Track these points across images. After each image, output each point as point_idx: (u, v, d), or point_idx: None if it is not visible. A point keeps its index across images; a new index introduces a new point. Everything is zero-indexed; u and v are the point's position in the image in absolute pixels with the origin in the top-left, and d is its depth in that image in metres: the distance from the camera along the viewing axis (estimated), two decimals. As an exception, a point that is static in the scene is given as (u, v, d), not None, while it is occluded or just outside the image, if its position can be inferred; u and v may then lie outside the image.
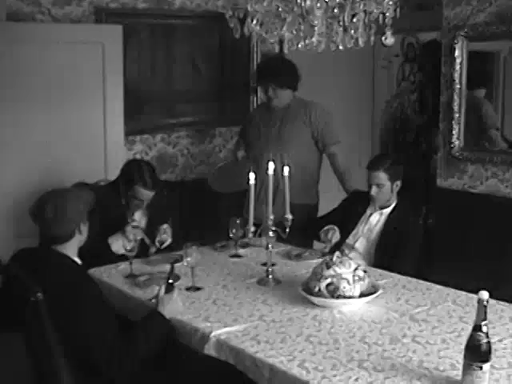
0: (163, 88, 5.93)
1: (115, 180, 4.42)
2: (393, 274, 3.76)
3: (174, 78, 5.98)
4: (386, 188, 4.21)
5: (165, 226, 4.19)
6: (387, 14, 2.98)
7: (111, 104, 5.39)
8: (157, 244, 4.14)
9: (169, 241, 4.19)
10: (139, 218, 4.30)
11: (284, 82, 4.90)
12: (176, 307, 3.12)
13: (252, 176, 3.59)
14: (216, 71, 6.20)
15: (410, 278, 3.68)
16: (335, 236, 4.16)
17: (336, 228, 4.18)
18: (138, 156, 5.82)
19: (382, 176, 4.19)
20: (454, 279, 3.68)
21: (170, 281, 3.22)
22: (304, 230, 4.48)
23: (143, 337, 3.00)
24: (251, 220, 3.60)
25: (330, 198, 4.91)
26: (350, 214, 4.41)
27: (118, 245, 3.92)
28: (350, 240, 4.31)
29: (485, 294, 2.34)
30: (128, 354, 2.92)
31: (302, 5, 2.91)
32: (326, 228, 4.19)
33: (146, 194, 4.18)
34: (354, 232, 4.31)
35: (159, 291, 3.16)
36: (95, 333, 2.90)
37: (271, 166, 3.59)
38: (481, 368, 2.32)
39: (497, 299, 3.25)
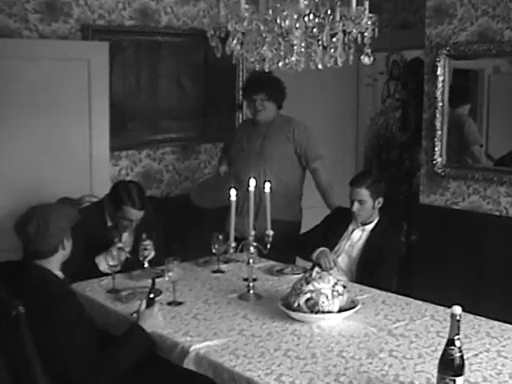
0: (149, 104, 5.96)
1: (101, 200, 4.44)
2: (373, 289, 3.79)
3: (160, 95, 6.02)
4: (367, 205, 4.25)
5: (147, 241, 4.20)
6: (366, 34, 3.04)
7: (97, 120, 5.41)
8: (140, 259, 4.16)
9: (152, 255, 4.20)
10: (126, 237, 4.32)
11: (272, 94, 4.97)
12: (156, 321, 3.15)
13: (233, 192, 3.63)
14: (201, 88, 6.24)
15: (389, 294, 3.73)
16: (333, 258, 4.18)
17: (327, 250, 4.21)
18: (123, 171, 5.85)
19: (364, 193, 4.24)
20: (435, 295, 3.72)
21: (151, 295, 3.24)
22: (287, 246, 4.52)
23: (123, 350, 3.03)
24: (232, 236, 3.63)
25: (313, 215, 4.96)
26: (332, 230, 4.45)
27: (104, 264, 3.95)
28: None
29: (457, 309, 2.38)
30: (106, 368, 2.95)
31: (282, 25, 2.96)
32: (318, 251, 4.19)
33: (135, 214, 4.19)
34: (335, 248, 4.35)
35: (140, 306, 3.19)
36: (73, 347, 2.92)
37: (252, 182, 3.64)
38: (454, 382, 2.36)
39: (476, 314, 3.30)
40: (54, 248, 3.13)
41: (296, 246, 4.53)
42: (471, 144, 5.26)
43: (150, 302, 3.20)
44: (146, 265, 4.12)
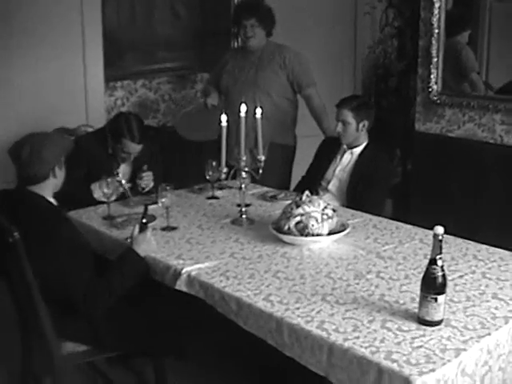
0: (143, 34, 5.91)
1: (101, 129, 4.45)
2: (365, 214, 3.84)
3: (155, 24, 5.96)
4: (351, 126, 4.30)
5: (146, 172, 4.24)
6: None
7: (91, 51, 5.40)
8: (139, 190, 4.20)
9: (151, 185, 4.24)
10: (124, 168, 4.37)
11: (263, 20, 4.97)
12: (150, 246, 3.20)
13: (224, 117, 3.64)
14: (197, 17, 6.18)
15: (381, 218, 3.77)
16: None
17: None
18: (119, 102, 5.85)
19: (347, 113, 4.30)
20: (430, 222, 3.76)
21: (144, 220, 3.30)
22: (282, 170, 4.57)
23: (118, 273, 3.09)
24: (223, 162, 3.65)
25: (308, 143, 4.99)
26: (322, 158, 4.53)
27: (99, 192, 3.98)
28: (323, 182, 4.40)
29: (439, 229, 2.44)
30: (103, 290, 3.01)
31: None
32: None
33: (134, 148, 4.22)
34: (326, 174, 4.40)
35: (133, 231, 3.25)
36: (71, 270, 2.98)
37: (243, 107, 3.64)
38: (436, 300, 2.42)
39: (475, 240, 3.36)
40: (46, 174, 3.16)
41: (299, 188, 4.57)
42: (469, 71, 5.24)
43: (143, 227, 3.25)
44: None
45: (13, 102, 5.15)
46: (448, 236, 3.20)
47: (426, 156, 5.39)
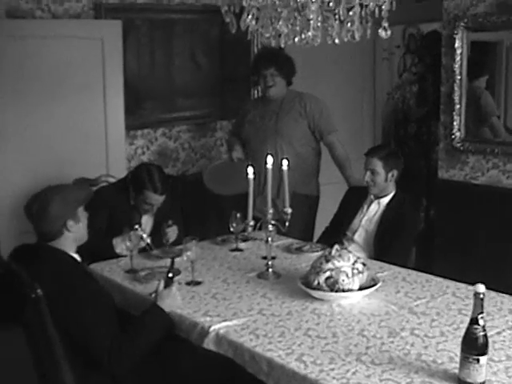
0: (164, 82, 5.91)
1: (122, 180, 4.42)
2: (393, 266, 3.76)
3: (174, 73, 5.97)
4: (380, 176, 4.25)
5: (173, 227, 4.16)
6: (383, 7, 2.97)
7: (111, 99, 5.38)
8: (164, 242, 4.12)
9: (174, 237, 4.18)
10: (146, 220, 4.33)
11: (282, 69, 4.95)
12: (175, 301, 3.13)
13: (250, 170, 3.59)
14: (216, 65, 6.19)
15: (410, 271, 3.69)
16: None
17: None
18: (139, 150, 5.83)
19: (376, 163, 4.25)
20: (454, 271, 3.68)
21: (170, 275, 3.22)
22: (305, 221, 4.50)
23: (142, 330, 3.01)
24: (250, 214, 3.59)
25: (331, 191, 4.95)
26: (347, 208, 4.47)
27: (121, 247, 3.93)
28: (349, 233, 4.33)
29: (481, 287, 2.36)
30: (127, 347, 2.94)
31: (298, -1, 2.90)
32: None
33: (156, 199, 4.18)
34: (352, 224, 4.33)
35: (158, 286, 3.18)
36: (94, 325, 2.92)
37: (270, 159, 3.60)
38: (478, 361, 2.33)
39: (498, 291, 3.26)
40: (58, 230, 3.11)
41: (323, 239, 4.49)
42: (489, 115, 5.19)
43: (169, 282, 3.18)
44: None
45: (33, 151, 5.11)
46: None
47: (450, 204, 5.30)
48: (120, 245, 3.93)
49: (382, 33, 2.98)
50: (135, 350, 2.97)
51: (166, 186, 4.21)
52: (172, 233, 4.13)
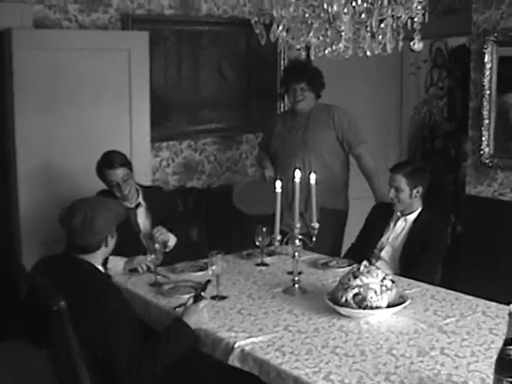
0: (190, 94, 5.91)
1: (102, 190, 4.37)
2: (421, 283, 3.69)
3: (201, 85, 5.96)
4: (404, 193, 4.19)
5: (156, 228, 4.11)
6: (415, 19, 2.92)
7: (137, 110, 5.37)
8: (160, 249, 3.97)
9: (172, 240, 4.13)
10: (143, 222, 4.31)
11: (312, 84, 4.93)
12: (201, 318, 3.08)
13: (278, 183, 3.55)
14: (243, 77, 6.18)
15: (438, 288, 3.63)
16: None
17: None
18: (164, 163, 5.82)
19: (401, 180, 4.18)
20: (480, 288, 3.61)
21: (203, 294, 3.20)
22: (333, 236, 4.45)
23: (165, 344, 2.97)
24: (277, 228, 3.55)
25: (359, 206, 4.89)
26: (373, 225, 4.41)
27: (115, 269, 3.89)
28: (376, 250, 4.27)
29: (516, 307, 2.28)
30: (148, 360, 2.90)
31: (329, 10, 2.86)
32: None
33: (115, 175, 4.18)
34: (380, 242, 4.27)
35: (188, 301, 3.14)
36: (116, 338, 2.88)
37: (298, 173, 3.55)
38: (512, 383, 2.26)
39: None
40: (98, 245, 3.10)
41: (349, 255, 4.43)
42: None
43: (198, 298, 3.14)
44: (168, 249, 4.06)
45: (58, 161, 5.12)
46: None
47: (478, 220, 5.23)
48: (115, 267, 3.89)
49: (415, 45, 2.93)
50: (156, 363, 2.92)
51: (122, 160, 4.24)
52: (161, 235, 4.05)
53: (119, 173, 4.18)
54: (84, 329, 2.84)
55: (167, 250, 4.07)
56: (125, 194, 4.21)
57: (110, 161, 4.19)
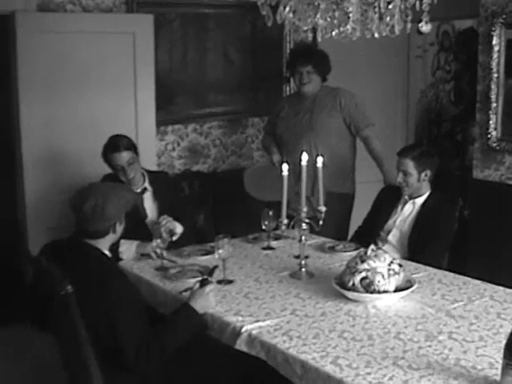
0: (195, 78, 5.87)
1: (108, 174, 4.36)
2: (428, 267, 3.67)
3: (206, 68, 5.92)
4: (412, 177, 4.17)
5: (162, 217, 4.06)
6: (424, 1, 2.88)
7: (142, 94, 5.34)
8: (167, 238, 3.96)
9: (179, 228, 4.08)
10: (150, 207, 4.29)
11: (319, 67, 4.89)
12: (208, 302, 3.08)
13: (285, 166, 3.52)
14: (248, 61, 6.14)
15: (446, 272, 3.61)
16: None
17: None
18: (169, 146, 5.79)
19: (408, 163, 4.17)
20: (487, 272, 3.59)
21: (210, 279, 3.19)
22: (341, 220, 4.43)
23: (172, 329, 2.97)
24: (284, 212, 3.53)
25: (367, 189, 4.87)
26: (381, 208, 4.39)
27: (128, 253, 3.90)
28: (383, 233, 4.25)
29: (526, 292, 2.26)
30: (156, 345, 2.89)
31: (337, -9, 2.83)
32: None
33: (121, 158, 4.16)
34: (386, 225, 4.25)
35: (194, 285, 3.13)
36: (123, 323, 2.87)
37: (305, 156, 3.53)
38: (521, 368, 2.24)
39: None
40: (106, 231, 3.10)
41: (355, 238, 4.42)
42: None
43: (204, 283, 3.12)
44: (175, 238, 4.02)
45: (63, 145, 5.09)
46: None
47: (484, 204, 5.20)
48: (127, 251, 3.89)
49: (422, 28, 2.90)
50: (164, 348, 2.92)
51: (127, 143, 4.21)
52: (168, 223, 4.00)
53: (124, 156, 4.16)
54: (90, 313, 2.82)
55: (174, 238, 4.02)
56: (130, 178, 4.18)
57: (116, 144, 4.17)
